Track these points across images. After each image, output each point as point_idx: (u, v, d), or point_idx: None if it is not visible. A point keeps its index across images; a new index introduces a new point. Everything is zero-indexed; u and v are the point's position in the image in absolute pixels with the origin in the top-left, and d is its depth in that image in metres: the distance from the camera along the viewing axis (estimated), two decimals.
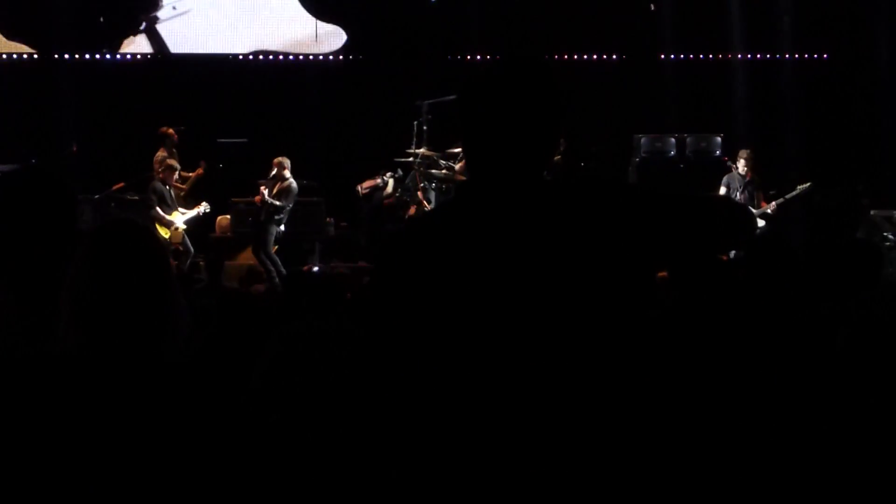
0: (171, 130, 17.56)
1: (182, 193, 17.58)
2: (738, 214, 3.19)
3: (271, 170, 16.81)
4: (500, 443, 2.83)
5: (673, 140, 18.95)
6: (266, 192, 16.72)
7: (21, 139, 18.63)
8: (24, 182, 3.77)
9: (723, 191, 16.59)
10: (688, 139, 18.96)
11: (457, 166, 16.55)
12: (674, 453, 3.08)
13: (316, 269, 16.98)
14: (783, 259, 4.74)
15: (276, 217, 16.65)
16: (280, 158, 16.80)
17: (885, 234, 16.45)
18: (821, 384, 3.57)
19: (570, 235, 2.88)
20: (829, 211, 18.12)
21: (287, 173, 16.72)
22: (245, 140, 18.90)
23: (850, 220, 17.75)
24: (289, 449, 5.08)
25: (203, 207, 17.30)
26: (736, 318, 3.17)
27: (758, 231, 16.26)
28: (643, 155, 18.78)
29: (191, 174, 17.93)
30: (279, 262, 16.35)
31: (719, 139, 18.72)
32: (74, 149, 18.23)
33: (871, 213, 17.60)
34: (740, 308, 3.13)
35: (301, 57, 20.47)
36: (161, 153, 17.33)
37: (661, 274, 3.12)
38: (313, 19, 20.38)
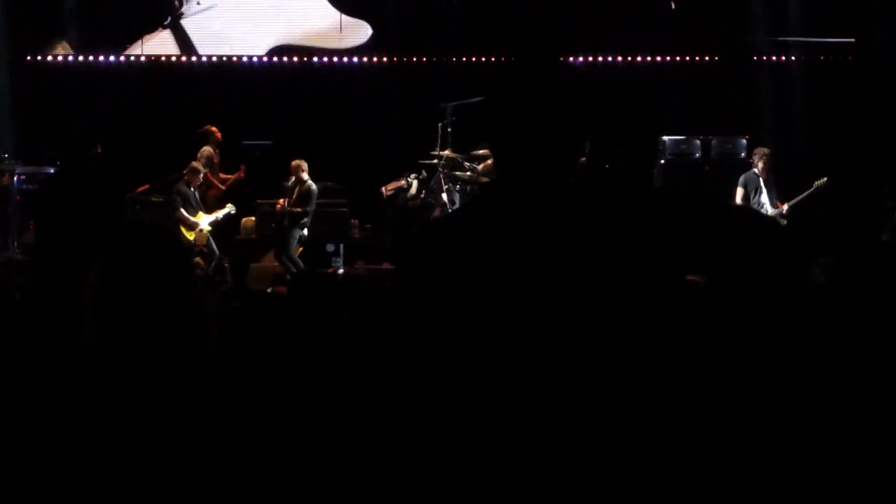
0: (214, 128, 17.62)
1: (221, 192, 17.64)
2: (763, 227, 3.16)
3: (290, 175, 16.85)
4: (521, 446, 2.82)
5: (698, 142, 18.91)
6: (285, 202, 16.77)
7: (46, 140, 18.68)
8: (69, 184, 3.76)
9: (740, 191, 16.57)
10: (713, 141, 18.91)
11: (480, 167, 16.54)
12: (695, 454, 3.06)
13: (341, 271, 17.01)
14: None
15: (301, 222, 16.70)
16: (297, 161, 16.83)
17: None
18: (850, 390, 3.54)
19: (595, 238, 2.87)
20: (854, 213, 18.05)
21: (305, 176, 16.75)
22: (270, 142, 18.93)
23: (875, 222, 17.67)
24: (301, 450, 5.08)
25: (228, 209, 17.35)
26: (759, 322, 3.14)
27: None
28: (668, 157, 18.73)
29: (230, 176, 17.96)
30: (301, 265, 16.36)
31: (744, 141, 18.66)
32: (99, 150, 18.27)
33: None
34: (764, 312, 3.10)
35: (325, 59, 20.47)
36: (207, 148, 17.41)
37: (691, 278, 3.10)
38: (338, 12, 20.37)
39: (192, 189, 17.00)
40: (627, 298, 2.86)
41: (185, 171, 17.03)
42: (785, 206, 16.59)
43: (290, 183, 16.90)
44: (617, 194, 2.98)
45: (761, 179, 16.61)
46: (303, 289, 7.00)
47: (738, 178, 16.86)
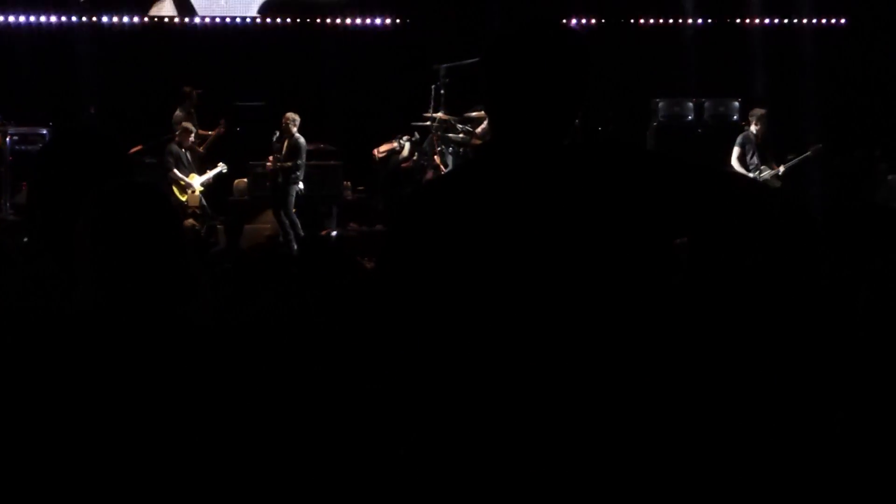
0: (191, 90, 17.54)
1: (200, 153, 17.58)
2: (759, 195, 3.17)
3: (281, 130, 16.80)
4: (517, 412, 2.82)
5: (691, 104, 18.91)
6: (274, 159, 16.72)
7: (39, 101, 18.63)
8: (78, 143, 3.73)
9: (737, 151, 16.61)
10: (706, 104, 18.91)
11: (478, 129, 16.50)
12: (692, 418, 3.06)
13: (334, 233, 16.99)
14: (802, 226, 4.71)
15: (293, 176, 16.63)
16: (289, 114, 16.79)
17: None
18: (841, 348, 3.55)
19: (590, 199, 2.87)
20: (848, 175, 18.08)
21: (295, 129, 16.71)
22: (262, 103, 18.86)
23: (868, 184, 17.71)
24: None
25: (220, 168, 17.32)
26: (754, 283, 3.14)
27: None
28: (661, 119, 18.74)
29: (210, 132, 17.90)
30: (299, 226, 16.34)
31: (737, 104, 18.66)
32: (92, 111, 18.23)
33: (889, 177, 17.57)
34: (759, 273, 3.10)
35: (318, 20, 20.41)
36: (178, 113, 17.35)
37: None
38: None
39: (184, 149, 16.97)
40: (620, 259, 2.86)
41: (175, 132, 17.00)
42: (781, 168, 16.61)
43: (276, 138, 16.85)
44: (612, 155, 2.98)
45: (759, 140, 16.65)
46: (312, 256, 6.98)
47: (732, 139, 16.88)
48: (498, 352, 2.84)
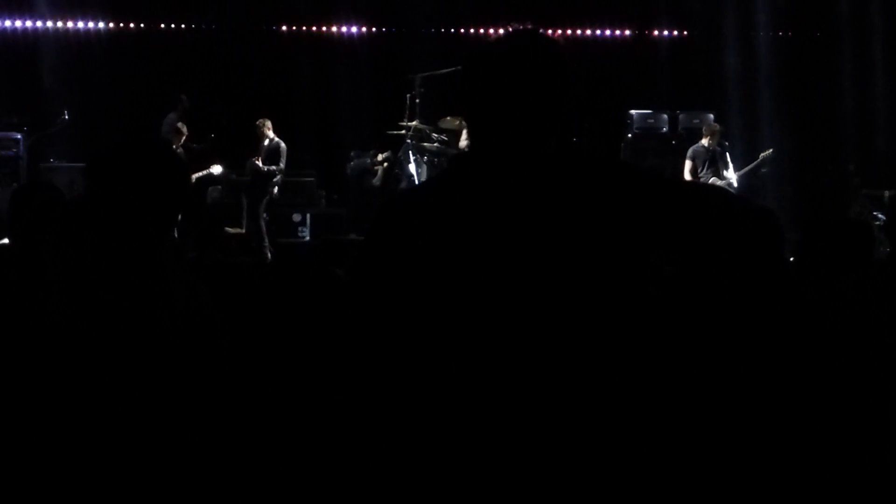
0: (184, 97, 17.43)
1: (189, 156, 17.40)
2: (735, 208, 3.18)
3: (256, 135, 16.78)
4: (493, 423, 2.82)
5: (665, 116, 19.00)
6: (257, 159, 16.69)
7: (13, 107, 18.56)
8: (143, 153, 3.70)
9: (688, 164, 16.78)
10: (680, 116, 19.01)
11: (462, 143, 16.49)
12: (673, 427, 3.07)
13: (307, 239, 16.94)
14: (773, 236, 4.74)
15: (273, 181, 16.65)
16: (261, 119, 16.80)
17: (874, 213, 16.48)
18: (813, 363, 3.57)
19: (566, 210, 2.87)
20: (821, 190, 18.20)
21: (271, 133, 16.73)
22: (224, 111, 18.72)
23: (841, 198, 17.82)
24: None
25: (213, 169, 17.17)
26: (732, 295, 3.16)
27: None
28: (636, 131, 18.82)
29: (195, 145, 17.71)
30: (264, 232, 16.33)
31: (711, 116, 18.75)
32: (66, 116, 18.15)
33: (863, 192, 17.67)
34: (737, 286, 3.12)
35: (294, 28, 20.41)
36: (172, 115, 17.22)
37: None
38: None
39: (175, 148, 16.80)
40: (594, 269, 2.86)
41: (165, 131, 16.88)
42: (733, 177, 16.81)
43: (258, 144, 16.85)
44: (588, 167, 2.98)
45: (711, 152, 16.81)
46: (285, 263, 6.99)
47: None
48: (470, 359, 2.84)
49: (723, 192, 3.86)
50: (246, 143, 17.17)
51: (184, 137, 16.94)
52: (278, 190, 16.87)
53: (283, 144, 16.76)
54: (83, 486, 2.94)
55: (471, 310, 2.84)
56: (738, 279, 3.08)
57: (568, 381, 2.83)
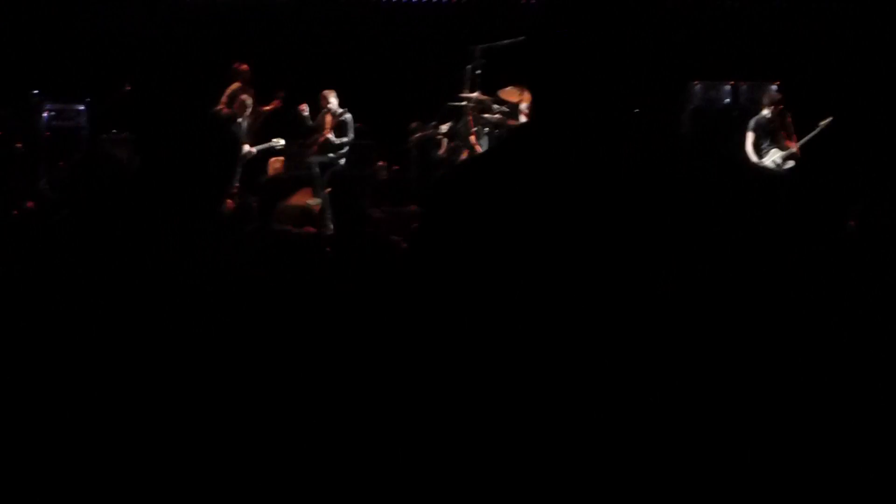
0: (244, 66, 17.41)
1: (255, 128, 17.42)
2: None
3: (320, 107, 16.81)
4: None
5: (728, 88, 18.83)
6: (325, 134, 16.74)
7: (75, 78, 18.65)
8: (190, 126, 3.73)
9: (750, 136, 16.62)
10: (742, 87, 18.84)
11: (522, 106, 16.46)
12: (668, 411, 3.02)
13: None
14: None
15: (341, 152, 16.73)
16: (325, 91, 16.83)
17: None
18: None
19: (628, 189, 2.83)
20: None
21: (337, 105, 16.80)
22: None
23: None
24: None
25: (274, 143, 17.19)
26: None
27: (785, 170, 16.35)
28: (697, 103, 18.67)
29: (267, 107, 17.73)
30: (328, 205, 16.39)
31: (775, 87, 18.55)
32: (128, 87, 18.23)
33: None
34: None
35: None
36: (236, 85, 17.21)
37: None
38: None
39: (238, 121, 16.71)
40: (653, 253, 2.82)
41: (225, 102, 16.88)
42: (795, 146, 16.62)
43: (319, 116, 16.87)
44: (649, 144, 2.95)
45: (773, 123, 16.65)
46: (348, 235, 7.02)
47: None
48: (528, 346, 2.81)
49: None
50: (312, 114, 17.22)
51: (248, 109, 16.93)
52: (345, 162, 16.93)
53: (348, 115, 16.80)
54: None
55: (526, 292, 2.82)
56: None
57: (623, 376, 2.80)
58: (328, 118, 16.78)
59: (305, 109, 17.01)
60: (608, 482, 2.77)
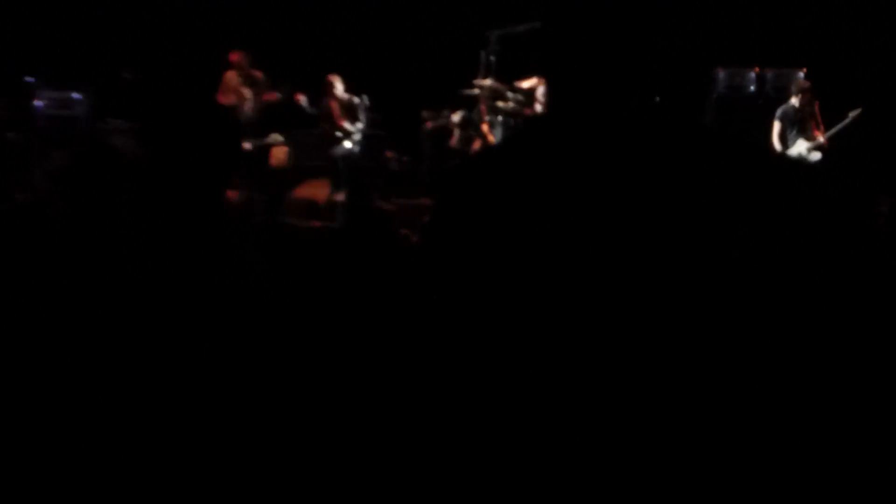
0: (235, 56, 17.35)
1: (252, 120, 17.39)
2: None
3: (325, 92, 16.81)
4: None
5: (753, 75, 18.80)
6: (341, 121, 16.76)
7: (71, 64, 18.66)
8: (192, 114, 3.74)
9: (777, 125, 16.59)
10: (768, 74, 18.80)
11: (537, 93, 16.45)
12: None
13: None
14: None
15: (354, 139, 16.74)
16: (331, 76, 16.85)
17: None
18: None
19: (645, 182, 2.83)
20: None
21: (341, 91, 16.81)
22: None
23: None
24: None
25: (272, 138, 17.18)
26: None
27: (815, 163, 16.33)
28: (721, 90, 18.65)
29: (265, 97, 17.64)
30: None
31: (801, 74, 18.52)
32: (127, 76, 18.24)
33: None
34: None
35: None
36: (230, 75, 17.18)
37: None
38: None
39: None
40: (674, 249, 2.82)
41: (223, 92, 16.91)
42: (821, 137, 16.58)
43: (324, 102, 16.87)
44: (671, 135, 2.94)
45: (801, 113, 16.62)
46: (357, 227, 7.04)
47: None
48: (539, 344, 2.81)
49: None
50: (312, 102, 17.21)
51: (248, 101, 16.91)
52: (359, 149, 16.95)
53: (356, 99, 16.81)
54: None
55: (539, 288, 2.82)
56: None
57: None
58: (333, 105, 16.77)
59: (303, 100, 17.00)
60: (609, 482, 2.78)
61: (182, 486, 3.01)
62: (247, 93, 16.94)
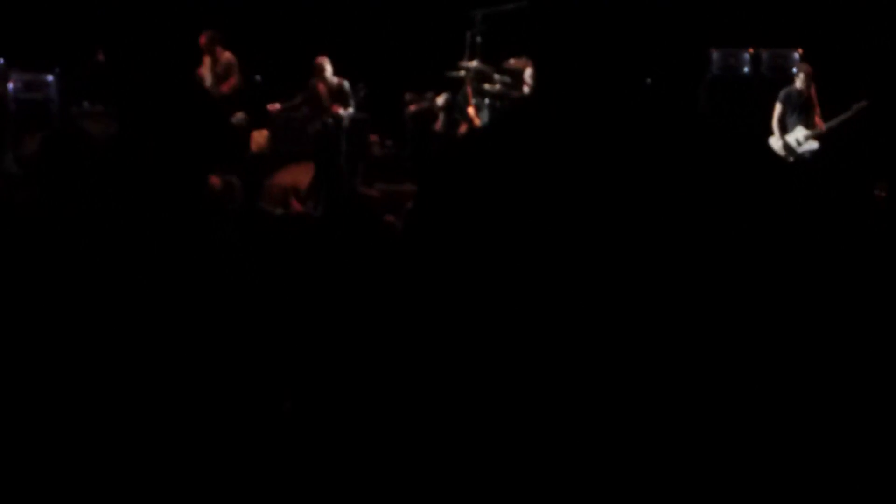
0: (206, 35, 17.28)
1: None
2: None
3: (313, 75, 16.80)
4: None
5: (747, 55, 18.81)
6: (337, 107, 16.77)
7: (44, 46, 18.61)
8: (173, 96, 3.74)
9: (778, 108, 16.57)
10: (763, 55, 18.80)
11: (525, 75, 16.44)
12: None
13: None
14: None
15: (343, 125, 16.74)
16: (320, 59, 16.85)
17: None
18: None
19: (635, 168, 2.83)
20: None
21: (330, 74, 16.82)
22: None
23: None
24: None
25: (236, 118, 17.14)
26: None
27: (810, 154, 16.33)
28: (715, 72, 18.65)
29: (223, 88, 17.61)
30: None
31: (797, 55, 18.53)
32: (100, 57, 18.19)
33: None
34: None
35: None
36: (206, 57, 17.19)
37: None
38: None
39: None
40: (663, 240, 2.81)
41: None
42: (824, 126, 16.55)
43: (311, 86, 16.86)
44: (663, 120, 2.94)
45: (802, 98, 16.61)
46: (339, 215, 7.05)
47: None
48: (527, 335, 2.81)
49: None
50: (291, 82, 17.20)
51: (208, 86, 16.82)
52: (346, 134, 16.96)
53: (346, 83, 16.81)
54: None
55: (527, 277, 2.82)
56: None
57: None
58: (321, 87, 16.76)
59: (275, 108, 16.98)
60: (609, 481, 2.79)
61: (162, 469, 3.03)
62: (208, 77, 16.91)
